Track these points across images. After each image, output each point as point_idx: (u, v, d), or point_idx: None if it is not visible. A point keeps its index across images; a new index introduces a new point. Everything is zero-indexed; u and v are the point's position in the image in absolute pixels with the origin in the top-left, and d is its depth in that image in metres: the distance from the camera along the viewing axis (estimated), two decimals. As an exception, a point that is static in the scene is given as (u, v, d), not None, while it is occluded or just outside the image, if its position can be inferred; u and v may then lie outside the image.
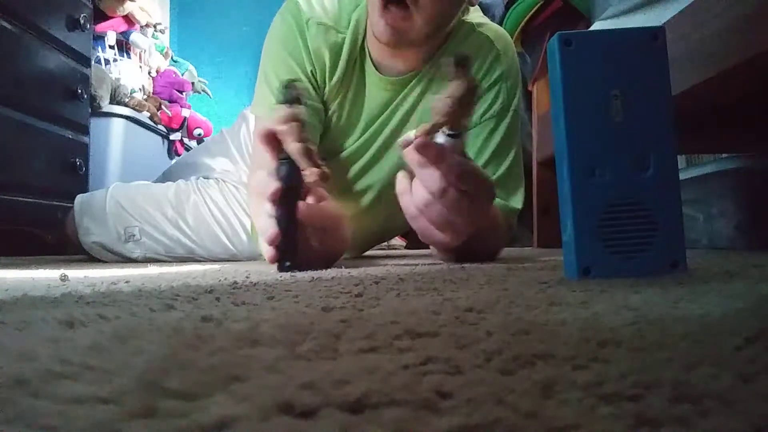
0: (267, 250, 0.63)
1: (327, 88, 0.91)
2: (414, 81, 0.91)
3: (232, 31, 3.43)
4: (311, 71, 0.90)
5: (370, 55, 0.90)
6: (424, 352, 0.20)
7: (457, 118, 0.59)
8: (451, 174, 0.57)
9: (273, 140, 0.63)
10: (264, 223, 0.63)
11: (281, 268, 0.65)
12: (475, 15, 0.95)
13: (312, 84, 0.90)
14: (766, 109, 1.11)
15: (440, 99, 0.58)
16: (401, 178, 0.63)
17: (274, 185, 0.61)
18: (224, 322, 0.26)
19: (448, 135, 0.60)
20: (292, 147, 0.61)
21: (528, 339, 0.22)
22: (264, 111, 0.91)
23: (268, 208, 0.63)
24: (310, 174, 0.60)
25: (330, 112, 0.93)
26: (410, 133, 0.59)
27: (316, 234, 0.65)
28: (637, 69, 0.48)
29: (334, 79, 0.90)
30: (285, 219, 0.62)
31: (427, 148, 0.57)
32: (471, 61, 0.59)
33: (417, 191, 0.61)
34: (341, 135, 0.95)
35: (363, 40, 0.90)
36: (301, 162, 0.61)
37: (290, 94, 0.63)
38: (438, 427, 0.13)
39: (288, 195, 0.62)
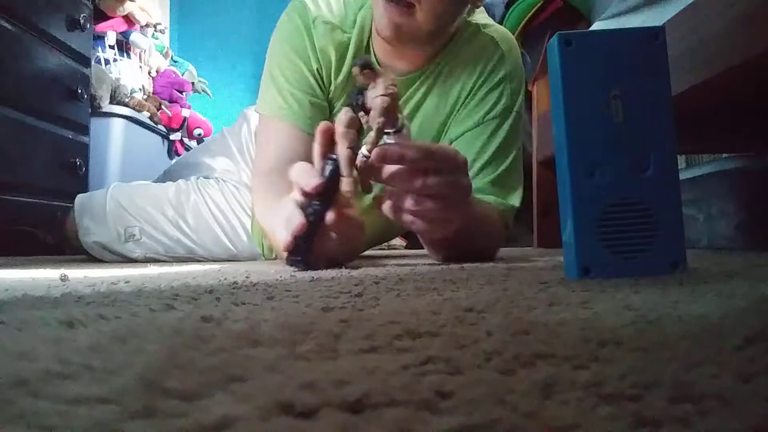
0: (285, 238, 0.64)
1: (332, 87, 0.91)
2: (418, 81, 0.91)
3: (232, 31, 3.43)
4: (317, 69, 0.90)
5: (375, 55, 0.90)
6: (424, 352, 0.20)
7: (393, 113, 0.60)
8: (419, 161, 0.59)
9: (330, 137, 0.63)
10: (290, 212, 0.63)
11: (290, 262, 0.65)
12: (480, 16, 0.95)
13: (318, 82, 0.91)
14: (766, 109, 1.11)
15: (373, 100, 0.60)
16: (385, 203, 0.65)
17: (318, 179, 0.62)
18: (224, 322, 0.26)
19: (392, 133, 0.62)
20: (343, 152, 0.61)
21: (528, 339, 0.22)
22: (270, 110, 0.91)
23: (301, 200, 0.63)
24: (347, 183, 0.61)
25: (335, 111, 0.93)
26: (362, 150, 0.61)
27: (338, 240, 0.65)
28: (637, 69, 0.48)
29: (340, 77, 0.90)
30: (315, 216, 0.62)
31: (386, 155, 0.59)
32: (371, 62, 0.61)
33: (400, 200, 0.62)
34: None
35: (368, 40, 0.90)
36: (345, 169, 0.61)
37: (358, 100, 0.64)
38: (438, 427, 0.13)
39: (326, 193, 0.62)
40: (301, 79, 0.89)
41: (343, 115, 0.62)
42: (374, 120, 0.60)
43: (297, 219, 0.62)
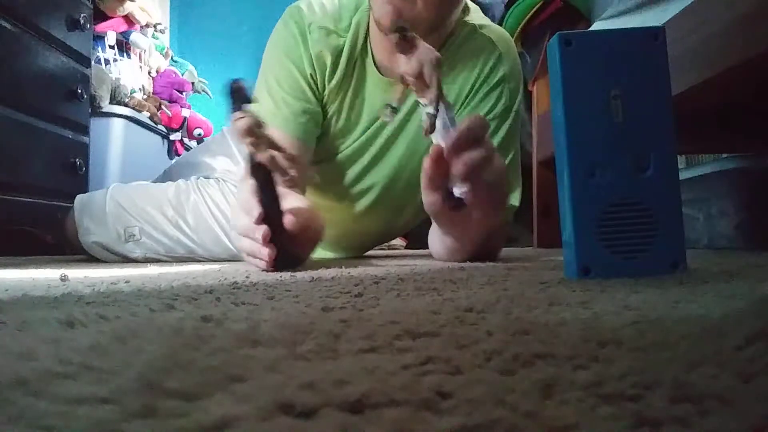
0: (263, 258, 0.64)
1: (327, 91, 0.92)
2: None
3: (232, 31, 3.43)
4: (311, 74, 0.90)
5: (372, 57, 0.90)
6: (424, 352, 0.20)
7: (440, 83, 0.59)
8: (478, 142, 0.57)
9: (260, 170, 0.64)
10: (249, 245, 0.65)
11: (277, 269, 0.66)
12: (476, 16, 0.95)
13: (311, 87, 0.91)
14: (766, 109, 1.11)
15: (423, 55, 0.58)
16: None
17: (257, 210, 0.63)
18: (224, 322, 0.26)
19: (436, 108, 0.59)
20: (263, 158, 0.62)
21: (528, 339, 0.22)
22: (262, 114, 0.91)
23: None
24: (282, 182, 0.62)
25: (330, 114, 0.94)
26: (427, 110, 0.59)
27: (293, 239, 0.66)
28: (637, 69, 0.48)
29: (334, 80, 0.91)
30: (273, 231, 0.63)
31: (460, 141, 0.56)
32: (407, 27, 0.60)
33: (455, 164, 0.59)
34: (341, 135, 0.96)
35: (364, 42, 0.90)
36: (276, 171, 0.62)
37: (238, 98, 0.61)
38: (438, 427, 0.13)
39: (270, 213, 0.63)
40: (294, 85, 0.90)
41: (235, 126, 0.61)
42: (430, 77, 0.58)
43: (264, 250, 0.63)
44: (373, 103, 0.93)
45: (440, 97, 0.58)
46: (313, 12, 0.91)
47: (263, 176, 0.62)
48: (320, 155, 0.97)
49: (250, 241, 0.65)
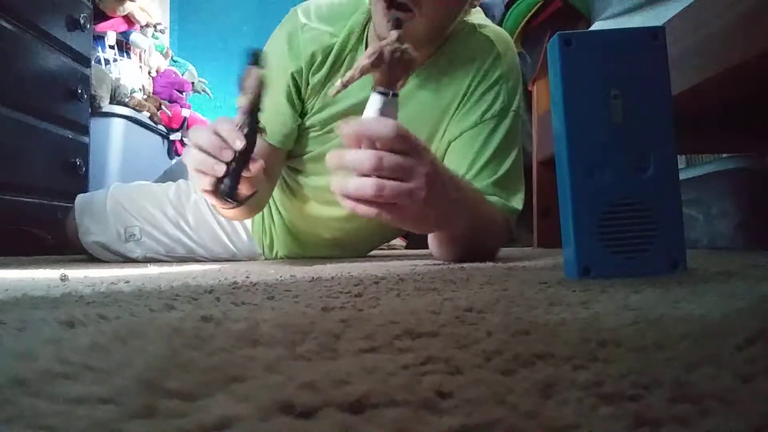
0: (212, 174, 0.67)
1: (310, 85, 0.93)
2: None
3: (232, 31, 3.43)
4: (296, 72, 0.92)
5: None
6: (424, 352, 0.20)
7: (386, 74, 0.64)
8: (392, 141, 0.57)
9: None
10: (202, 159, 0.67)
11: (216, 196, 0.69)
12: (476, 16, 0.96)
13: (296, 87, 0.94)
14: (766, 109, 1.10)
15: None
16: (341, 198, 0.60)
17: (239, 138, 0.66)
18: (224, 322, 0.26)
19: (381, 93, 0.65)
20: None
21: (528, 339, 0.22)
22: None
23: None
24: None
25: (314, 108, 0.95)
26: (337, 83, 0.65)
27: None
28: (637, 69, 0.48)
29: (318, 75, 0.92)
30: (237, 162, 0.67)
31: (364, 131, 0.58)
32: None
33: (360, 189, 0.58)
34: (327, 125, 0.96)
35: (358, 40, 0.91)
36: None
37: (254, 60, 0.68)
38: (438, 427, 0.13)
39: (246, 148, 0.66)
40: (277, 90, 0.92)
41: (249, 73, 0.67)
42: (361, 60, 0.64)
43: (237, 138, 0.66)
44: (364, 94, 0.93)
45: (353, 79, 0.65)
46: (308, 15, 0.93)
47: (254, 119, 0.67)
48: (310, 148, 0.98)
49: (204, 155, 0.67)
